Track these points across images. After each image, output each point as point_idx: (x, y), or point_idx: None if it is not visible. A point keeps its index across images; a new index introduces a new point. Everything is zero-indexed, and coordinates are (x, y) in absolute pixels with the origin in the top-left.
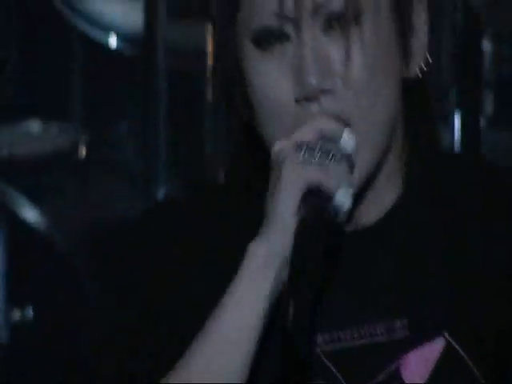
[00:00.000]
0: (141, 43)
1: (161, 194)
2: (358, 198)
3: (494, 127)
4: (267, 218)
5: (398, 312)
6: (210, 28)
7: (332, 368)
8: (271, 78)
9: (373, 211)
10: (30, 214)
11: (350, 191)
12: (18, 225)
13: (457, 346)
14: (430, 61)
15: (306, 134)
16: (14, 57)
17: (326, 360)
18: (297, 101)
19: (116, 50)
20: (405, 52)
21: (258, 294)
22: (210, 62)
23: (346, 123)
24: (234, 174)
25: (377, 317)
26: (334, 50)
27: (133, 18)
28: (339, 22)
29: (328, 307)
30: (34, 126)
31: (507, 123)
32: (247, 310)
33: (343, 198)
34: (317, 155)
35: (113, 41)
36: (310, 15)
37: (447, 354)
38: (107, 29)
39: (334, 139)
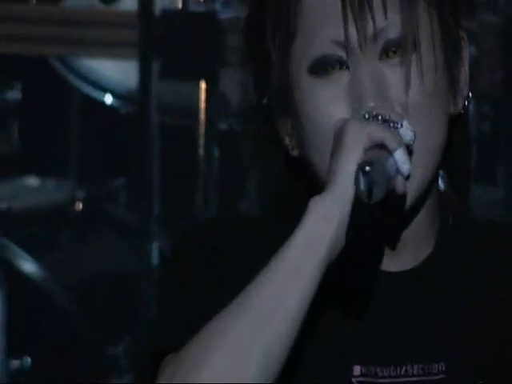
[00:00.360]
0: (135, 101)
1: (154, 246)
2: (400, 234)
3: (476, 182)
4: (330, 175)
5: (436, 356)
6: (201, 85)
7: None
8: (326, 104)
9: (409, 258)
10: (28, 266)
11: (409, 164)
12: (16, 277)
13: None
14: (471, 96)
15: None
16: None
17: None
18: None
19: (111, 108)
20: (452, 85)
21: (319, 241)
22: (202, 117)
23: None
24: (280, 203)
25: (415, 358)
26: (391, 76)
27: (127, 76)
28: (397, 49)
29: (368, 341)
30: (32, 181)
31: (488, 178)
32: (308, 256)
33: (403, 158)
34: (379, 121)
35: (108, 99)
36: (369, 42)
37: None
38: (103, 87)
39: (395, 126)
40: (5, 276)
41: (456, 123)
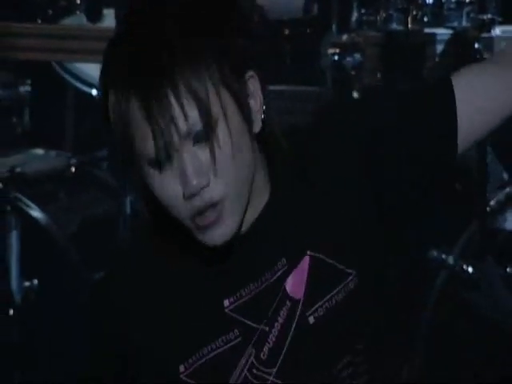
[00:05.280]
0: None
1: (127, 200)
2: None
3: None
4: None
5: (279, 257)
6: None
7: (240, 318)
8: (165, 187)
9: (253, 211)
10: (36, 213)
11: None
12: (27, 223)
13: (319, 256)
14: (264, 110)
15: None
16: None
17: (234, 314)
18: (184, 198)
19: (96, 99)
20: (248, 120)
21: None
22: None
23: (220, 202)
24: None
25: (265, 269)
26: (202, 155)
27: None
28: (202, 136)
29: (230, 278)
30: (39, 152)
31: None
32: None
33: None
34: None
35: (94, 92)
36: (183, 139)
37: (313, 264)
38: (90, 83)
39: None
40: (19, 221)
41: (262, 131)
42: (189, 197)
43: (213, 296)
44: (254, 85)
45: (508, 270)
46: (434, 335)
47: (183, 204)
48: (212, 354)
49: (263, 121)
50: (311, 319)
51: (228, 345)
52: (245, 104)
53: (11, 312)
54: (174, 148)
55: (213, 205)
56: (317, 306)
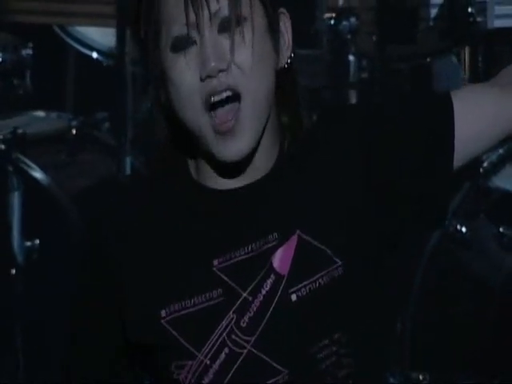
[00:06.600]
0: (114, 56)
1: (127, 160)
2: (249, 160)
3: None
4: None
5: (271, 230)
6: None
7: (226, 279)
8: (183, 70)
9: (258, 172)
10: (38, 174)
11: None
12: (29, 184)
13: (307, 238)
14: (293, 55)
15: None
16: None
17: (221, 274)
18: (202, 80)
19: (97, 61)
20: (276, 49)
21: None
22: None
23: (237, 93)
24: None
25: (257, 238)
26: (226, 44)
27: (109, 38)
28: (228, 25)
29: (221, 238)
30: (40, 113)
31: None
32: None
33: None
34: None
35: (95, 55)
36: (207, 21)
37: (301, 244)
38: (91, 46)
39: None
40: (21, 181)
41: (285, 74)
42: (205, 78)
43: (204, 252)
44: (285, 22)
45: (501, 229)
46: (426, 294)
47: (199, 88)
48: (194, 309)
49: (288, 64)
50: (293, 297)
51: (210, 302)
52: (274, 27)
53: (13, 272)
54: (201, 28)
55: (229, 97)
56: (300, 285)
